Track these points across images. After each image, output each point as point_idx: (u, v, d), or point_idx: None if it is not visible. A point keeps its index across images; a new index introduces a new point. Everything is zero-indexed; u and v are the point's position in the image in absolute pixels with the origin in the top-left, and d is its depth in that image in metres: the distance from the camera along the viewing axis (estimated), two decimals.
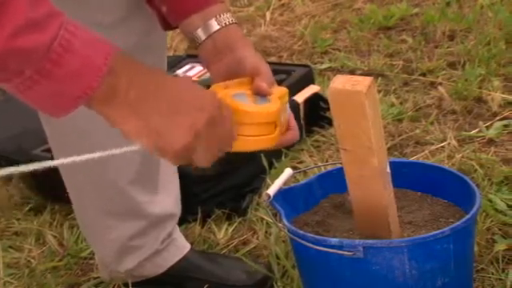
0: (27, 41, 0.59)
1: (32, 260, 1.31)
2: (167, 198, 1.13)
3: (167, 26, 0.90)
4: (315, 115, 1.59)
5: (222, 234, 1.30)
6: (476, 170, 1.36)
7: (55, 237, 1.36)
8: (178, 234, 1.18)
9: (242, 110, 0.77)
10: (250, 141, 0.78)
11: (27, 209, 1.46)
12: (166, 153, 0.69)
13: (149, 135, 0.68)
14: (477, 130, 1.54)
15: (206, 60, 0.86)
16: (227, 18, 0.85)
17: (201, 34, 0.85)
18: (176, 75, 1.65)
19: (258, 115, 0.78)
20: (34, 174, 1.57)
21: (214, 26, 0.84)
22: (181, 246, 1.17)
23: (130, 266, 1.13)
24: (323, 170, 1.08)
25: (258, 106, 0.79)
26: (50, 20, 0.61)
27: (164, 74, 0.71)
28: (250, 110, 0.77)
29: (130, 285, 1.15)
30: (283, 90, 0.84)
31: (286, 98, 0.84)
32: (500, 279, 1.10)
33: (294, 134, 0.84)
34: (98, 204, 1.09)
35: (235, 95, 0.78)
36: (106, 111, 0.66)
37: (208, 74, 1.71)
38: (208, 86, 1.28)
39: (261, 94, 0.80)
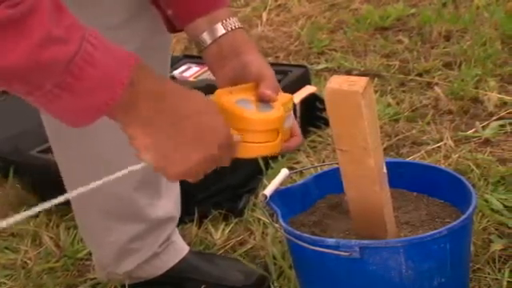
0: (50, 54, 0.59)
1: (28, 261, 1.30)
2: (168, 202, 1.13)
3: (173, 28, 0.90)
4: (312, 115, 1.59)
5: (218, 234, 1.30)
6: (472, 170, 1.37)
7: (52, 238, 1.35)
8: (177, 237, 1.18)
9: (244, 117, 0.77)
10: (252, 147, 0.79)
11: (23, 210, 1.45)
12: (167, 175, 0.72)
13: (154, 154, 0.69)
14: (473, 130, 1.55)
15: (211, 64, 0.86)
16: (233, 22, 0.85)
17: (206, 37, 0.85)
18: (173, 77, 1.64)
19: (260, 122, 0.78)
20: (30, 175, 1.58)
21: (220, 30, 0.84)
22: (179, 249, 1.17)
23: (128, 268, 1.13)
24: (320, 171, 1.08)
25: (261, 113, 0.79)
26: (72, 33, 0.61)
27: (181, 90, 0.71)
28: (252, 117, 0.78)
29: (127, 286, 1.15)
30: (288, 96, 0.84)
31: (290, 105, 0.85)
32: (496, 279, 1.10)
33: (298, 140, 0.85)
34: (100, 207, 1.08)
35: (239, 101, 0.79)
36: (123, 121, 0.67)
37: (205, 75, 1.72)
38: (205, 86, 1.30)
39: (265, 101, 0.80)
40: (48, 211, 1.43)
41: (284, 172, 1.02)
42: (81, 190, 0.68)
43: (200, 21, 0.85)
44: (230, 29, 0.84)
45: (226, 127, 0.74)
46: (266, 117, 0.79)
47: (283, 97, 0.83)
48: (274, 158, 1.47)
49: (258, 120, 0.78)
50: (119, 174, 0.70)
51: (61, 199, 0.67)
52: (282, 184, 1.00)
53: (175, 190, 1.15)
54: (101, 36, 0.64)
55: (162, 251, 1.14)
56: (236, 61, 0.83)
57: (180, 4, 0.86)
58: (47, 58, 0.59)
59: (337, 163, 0.90)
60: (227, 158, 0.76)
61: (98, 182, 0.68)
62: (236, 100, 0.79)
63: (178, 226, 1.32)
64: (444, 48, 1.96)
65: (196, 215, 1.33)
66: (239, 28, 0.85)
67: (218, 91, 0.81)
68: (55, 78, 0.61)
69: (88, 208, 1.10)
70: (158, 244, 1.13)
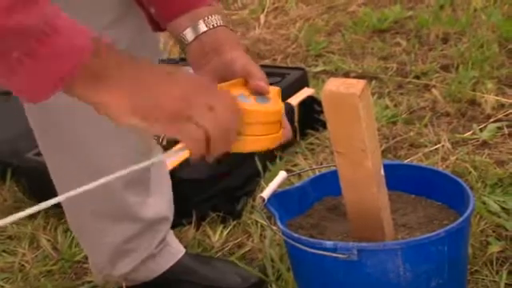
0: (18, 19, 0.59)
1: (26, 264, 1.30)
2: (160, 201, 1.13)
3: (157, 27, 0.90)
4: (309, 118, 1.60)
5: (216, 237, 1.30)
6: (470, 172, 1.37)
7: (49, 241, 1.35)
8: (173, 239, 1.18)
9: (248, 110, 0.76)
10: (256, 140, 0.78)
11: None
12: (158, 123, 0.68)
13: (138, 112, 0.67)
14: (470, 132, 1.55)
15: (193, 62, 0.85)
16: (216, 19, 0.84)
17: (188, 35, 0.84)
18: None
19: (263, 114, 0.78)
20: (27, 178, 1.57)
21: (202, 27, 0.84)
22: (175, 251, 1.17)
23: (124, 271, 1.13)
24: (317, 173, 1.08)
25: (261, 105, 0.79)
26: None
27: (144, 60, 0.70)
28: (253, 108, 0.77)
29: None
30: (276, 89, 0.84)
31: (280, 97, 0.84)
32: (494, 281, 1.10)
33: (288, 132, 0.84)
34: (91, 208, 1.08)
35: (236, 96, 0.78)
36: (89, 95, 0.66)
37: None
38: None
39: (260, 94, 0.80)
40: (45, 214, 1.43)
41: (282, 174, 1.02)
42: (73, 192, 0.67)
43: (182, 18, 0.84)
44: (211, 26, 0.84)
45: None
46: (267, 108, 0.78)
47: (273, 90, 0.83)
48: (272, 160, 1.48)
49: (261, 112, 0.78)
50: (121, 173, 0.70)
51: (54, 201, 0.66)
52: (279, 186, 1.00)
53: (166, 188, 1.15)
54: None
55: (158, 253, 1.14)
56: (217, 59, 0.83)
57: (161, 2, 0.86)
58: (15, 23, 0.59)
59: (335, 165, 0.90)
60: (223, 106, 0.71)
61: (95, 183, 0.67)
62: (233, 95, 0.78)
63: (175, 228, 1.32)
64: (441, 50, 1.96)
65: (194, 218, 1.33)
66: (222, 26, 0.84)
67: None
68: (22, 44, 0.60)
69: (79, 210, 1.10)
70: (153, 245, 1.13)
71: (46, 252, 1.33)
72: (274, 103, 0.80)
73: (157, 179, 1.12)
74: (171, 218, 1.16)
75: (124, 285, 1.15)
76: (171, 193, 1.16)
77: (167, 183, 1.16)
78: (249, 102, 0.78)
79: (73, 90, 0.65)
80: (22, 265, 1.30)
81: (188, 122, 0.69)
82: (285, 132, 0.83)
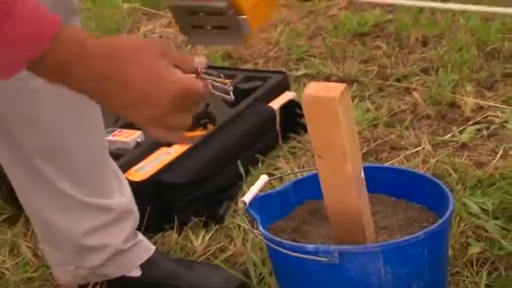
0: None
1: (6, 271, 1.29)
2: (121, 198, 1.13)
3: None
4: (291, 122, 1.60)
5: (199, 241, 1.30)
6: (450, 175, 1.38)
7: (30, 247, 1.34)
8: (142, 237, 1.18)
9: None
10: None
11: (1, 219, 1.43)
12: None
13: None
14: (450, 134, 1.56)
15: None
16: None
17: None
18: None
19: None
20: (7, 184, 1.56)
21: None
22: (145, 248, 1.17)
23: (93, 264, 1.12)
24: (299, 177, 1.08)
25: None
26: None
27: (108, 49, 0.67)
28: None
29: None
30: None
31: None
32: (474, 282, 1.11)
33: None
34: (52, 206, 1.09)
35: None
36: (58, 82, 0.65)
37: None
38: None
39: None
40: (26, 220, 1.41)
41: (263, 178, 1.03)
42: None
43: None
44: None
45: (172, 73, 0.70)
46: None
47: None
48: (254, 163, 1.48)
49: None
50: None
51: None
52: (261, 190, 1.00)
53: (125, 182, 1.16)
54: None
55: (128, 249, 1.13)
56: None
57: None
58: None
59: (316, 169, 0.90)
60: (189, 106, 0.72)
61: None
62: None
63: (157, 233, 1.32)
64: (421, 53, 1.98)
65: (176, 222, 1.32)
66: None
67: None
68: None
69: (44, 210, 1.10)
70: (120, 239, 1.12)
71: (26, 259, 1.31)
72: None
73: (113, 180, 1.12)
74: (135, 210, 1.16)
75: (92, 281, 1.14)
76: (129, 187, 1.16)
77: (123, 177, 1.16)
78: None
79: (40, 75, 0.64)
80: (2, 272, 1.29)
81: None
82: None
